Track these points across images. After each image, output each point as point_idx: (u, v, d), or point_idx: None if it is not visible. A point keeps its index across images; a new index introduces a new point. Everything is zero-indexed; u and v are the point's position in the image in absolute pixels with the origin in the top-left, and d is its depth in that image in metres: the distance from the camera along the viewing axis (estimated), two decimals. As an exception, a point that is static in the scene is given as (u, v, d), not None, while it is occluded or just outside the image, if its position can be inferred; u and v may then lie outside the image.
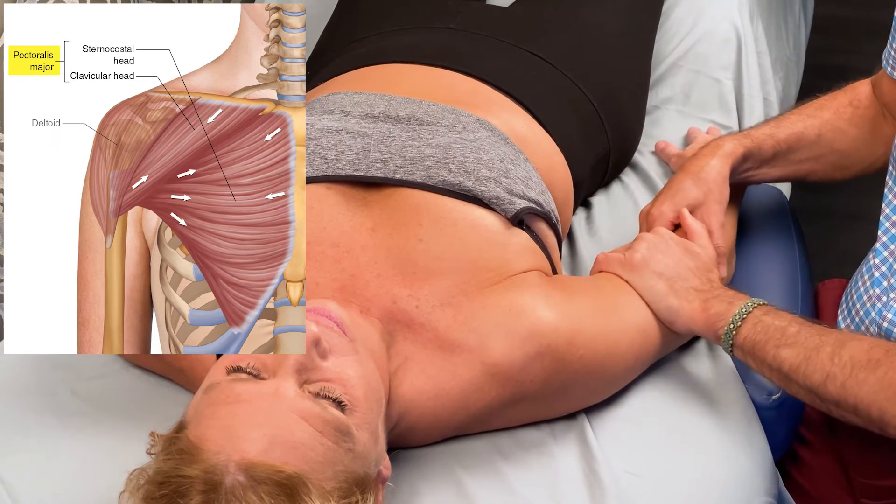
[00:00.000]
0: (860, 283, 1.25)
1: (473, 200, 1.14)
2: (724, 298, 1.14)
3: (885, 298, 1.19)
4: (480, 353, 1.08)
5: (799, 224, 1.48)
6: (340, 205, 1.13)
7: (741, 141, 1.30)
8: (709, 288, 1.17)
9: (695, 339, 1.26)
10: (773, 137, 1.31)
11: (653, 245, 1.21)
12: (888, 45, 1.26)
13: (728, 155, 1.27)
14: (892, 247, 1.21)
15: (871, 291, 1.21)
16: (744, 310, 1.11)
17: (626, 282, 1.20)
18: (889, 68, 1.26)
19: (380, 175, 1.15)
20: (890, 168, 1.23)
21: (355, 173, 1.15)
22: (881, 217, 1.23)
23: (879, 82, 1.31)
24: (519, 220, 1.16)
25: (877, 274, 1.21)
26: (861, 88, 1.33)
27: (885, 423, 1.01)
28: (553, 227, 1.24)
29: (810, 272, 1.44)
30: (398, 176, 1.15)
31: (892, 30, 1.22)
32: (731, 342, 1.11)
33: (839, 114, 1.32)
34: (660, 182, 1.49)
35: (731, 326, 1.11)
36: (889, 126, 1.31)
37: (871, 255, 1.25)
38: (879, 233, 1.23)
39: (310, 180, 1.13)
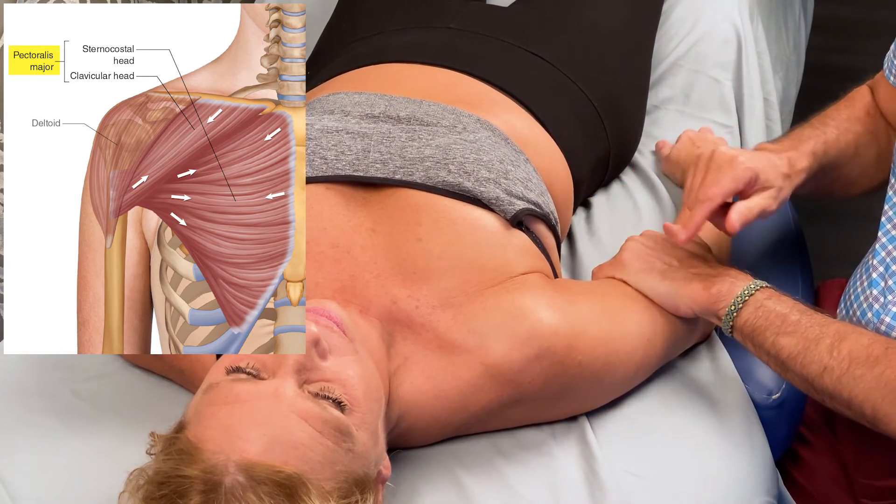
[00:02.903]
0: (857, 283, 1.25)
1: (473, 201, 1.14)
2: (727, 278, 1.14)
3: (882, 299, 1.19)
4: (480, 354, 1.07)
5: (799, 224, 1.48)
6: (340, 205, 1.13)
7: (810, 164, 1.22)
8: (708, 267, 1.17)
9: (694, 338, 1.26)
10: (827, 154, 1.25)
11: (640, 242, 1.22)
12: (891, 51, 1.25)
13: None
14: (891, 247, 1.20)
15: (867, 292, 1.21)
16: (746, 292, 1.11)
17: (624, 281, 1.20)
18: (892, 77, 1.26)
19: (379, 175, 1.15)
20: (893, 167, 1.23)
21: (355, 174, 1.15)
22: (883, 218, 1.23)
23: (877, 88, 1.31)
24: (518, 222, 1.16)
25: (874, 275, 1.21)
26: (867, 95, 1.32)
27: (877, 421, 1.01)
28: (552, 228, 1.24)
29: (810, 272, 1.43)
30: (398, 176, 1.14)
31: None
32: (731, 324, 1.11)
33: (865, 125, 1.29)
34: (660, 182, 1.49)
35: (733, 308, 1.11)
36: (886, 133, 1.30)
37: (869, 256, 1.24)
38: (880, 234, 1.22)
39: (309, 180, 1.13)
